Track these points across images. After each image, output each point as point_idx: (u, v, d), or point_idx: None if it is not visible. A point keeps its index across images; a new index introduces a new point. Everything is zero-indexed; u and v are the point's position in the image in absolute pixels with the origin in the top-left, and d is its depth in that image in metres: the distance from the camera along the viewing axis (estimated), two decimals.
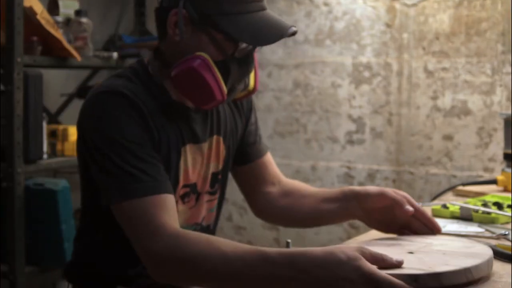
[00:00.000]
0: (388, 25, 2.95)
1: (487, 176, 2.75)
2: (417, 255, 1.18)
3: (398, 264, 1.08)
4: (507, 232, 1.47)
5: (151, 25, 3.24)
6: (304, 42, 3.13)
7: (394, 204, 1.38)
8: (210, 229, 1.57)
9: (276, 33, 1.35)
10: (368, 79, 3.00)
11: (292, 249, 1.12)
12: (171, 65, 1.37)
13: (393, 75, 2.95)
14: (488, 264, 1.15)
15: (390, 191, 1.40)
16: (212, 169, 1.51)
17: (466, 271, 1.09)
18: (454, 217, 1.68)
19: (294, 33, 1.37)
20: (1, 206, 2.36)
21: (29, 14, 2.37)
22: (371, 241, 1.34)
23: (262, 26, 1.34)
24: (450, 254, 1.18)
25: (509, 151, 2.26)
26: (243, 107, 1.61)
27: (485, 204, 1.71)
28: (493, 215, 1.60)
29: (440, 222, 1.63)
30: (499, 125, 2.69)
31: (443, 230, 1.54)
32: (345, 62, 3.04)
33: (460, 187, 2.13)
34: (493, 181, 2.11)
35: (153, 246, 1.21)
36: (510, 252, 1.26)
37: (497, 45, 2.74)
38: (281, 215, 1.64)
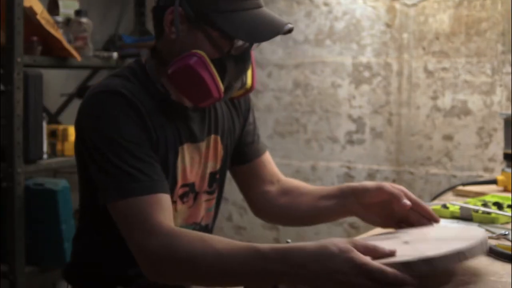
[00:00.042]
0: (388, 25, 2.95)
1: (487, 176, 2.75)
2: (412, 244, 1.17)
3: (391, 254, 1.08)
4: (507, 232, 1.47)
5: (151, 25, 3.24)
6: (304, 42, 3.13)
7: (392, 199, 1.38)
8: (209, 229, 1.57)
9: (272, 30, 1.35)
10: (368, 79, 3.00)
11: (285, 244, 1.13)
12: (168, 64, 1.37)
13: (393, 75, 2.95)
14: (481, 245, 1.13)
15: (388, 185, 1.40)
16: (210, 168, 1.52)
17: (458, 253, 1.08)
18: (454, 217, 1.68)
19: (290, 30, 1.37)
20: (1, 206, 2.36)
21: (29, 14, 2.37)
22: (369, 237, 1.34)
23: (258, 23, 1.34)
24: (444, 240, 1.18)
25: (509, 151, 2.26)
26: (241, 106, 1.61)
27: (485, 204, 1.71)
28: (493, 215, 1.60)
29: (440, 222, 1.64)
30: (499, 125, 2.69)
31: None
32: (345, 62, 3.04)
33: (460, 187, 2.13)
34: (493, 181, 2.11)
35: (148, 245, 1.22)
36: (510, 252, 1.26)
37: (497, 45, 2.74)
38: (279, 214, 1.64)
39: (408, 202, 1.35)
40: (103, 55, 2.76)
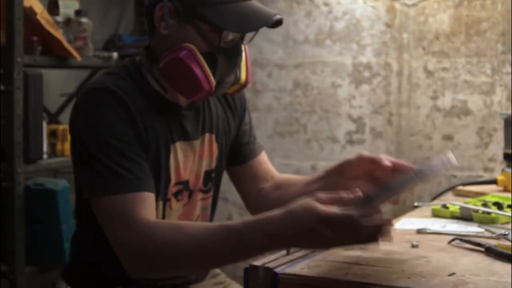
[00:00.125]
0: (388, 25, 2.95)
1: (487, 176, 2.75)
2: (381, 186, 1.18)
3: (356, 198, 1.10)
4: (507, 232, 1.47)
5: None
6: (304, 42, 3.13)
7: (374, 164, 1.39)
8: None
9: (261, 20, 1.36)
10: (368, 79, 3.00)
11: (255, 216, 1.15)
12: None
13: (393, 75, 2.95)
14: (442, 163, 1.13)
15: (366, 152, 1.43)
16: (205, 167, 1.52)
17: (415, 173, 1.08)
18: (454, 217, 1.68)
19: (279, 21, 1.38)
20: (1, 206, 2.36)
21: (29, 14, 2.37)
22: None
23: (247, 15, 1.36)
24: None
25: (509, 151, 2.26)
26: (236, 107, 1.62)
27: (485, 204, 1.71)
28: (493, 215, 1.60)
29: (440, 222, 1.64)
30: (499, 125, 2.69)
31: (443, 230, 1.54)
32: (345, 62, 3.04)
33: (460, 187, 2.13)
34: (493, 181, 2.12)
35: (126, 239, 1.23)
36: (510, 252, 1.26)
37: (497, 45, 2.74)
38: (272, 208, 1.64)
39: (388, 163, 1.37)
40: (103, 55, 2.76)
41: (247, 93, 3.18)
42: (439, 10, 2.84)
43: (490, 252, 1.30)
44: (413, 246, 1.38)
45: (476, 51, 2.78)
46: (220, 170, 1.58)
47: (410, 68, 2.91)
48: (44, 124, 2.50)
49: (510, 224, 1.57)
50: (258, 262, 1.22)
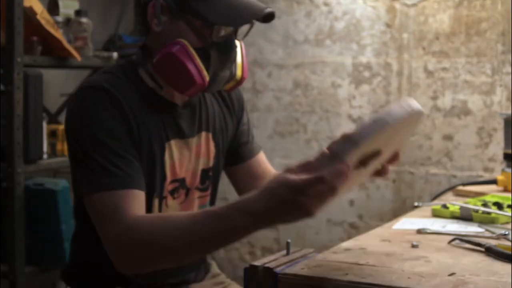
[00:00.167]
0: (388, 25, 2.95)
1: (487, 176, 2.75)
2: None
3: (322, 158, 1.09)
4: (507, 232, 1.47)
5: None
6: (304, 42, 3.13)
7: None
8: None
9: (251, 13, 1.37)
10: (368, 79, 3.00)
11: (236, 199, 1.16)
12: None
13: (393, 75, 2.95)
14: (401, 108, 1.12)
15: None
16: (202, 165, 1.53)
17: (374, 121, 1.07)
18: (454, 217, 1.68)
19: (271, 14, 1.38)
20: (1, 206, 2.36)
21: (29, 14, 2.37)
22: None
23: (237, 8, 1.36)
24: None
25: (509, 151, 2.26)
26: (234, 107, 1.62)
27: (485, 204, 1.71)
28: (493, 215, 1.60)
29: (440, 222, 1.64)
30: (499, 125, 2.69)
31: (443, 230, 1.55)
32: (345, 62, 3.04)
33: (460, 187, 2.13)
34: (493, 181, 2.12)
35: (112, 233, 1.25)
36: (510, 252, 1.26)
37: (497, 45, 2.74)
38: None
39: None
40: (103, 55, 2.76)
41: (247, 93, 3.20)
42: (439, 10, 2.84)
43: (490, 252, 1.30)
44: (413, 246, 1.38)
45: (476, 51, 2.78)
46: (218, 168, 1.58)
47: (410, 68, 2.91)
48: (44, 124, 2.50)
49: (510, 224, 1.57)
50: (258, 262, 1.22)
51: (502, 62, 2.73)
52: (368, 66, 2.99)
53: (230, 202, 1.15)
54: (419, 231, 1.52)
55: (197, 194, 1.53)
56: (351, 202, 3.05)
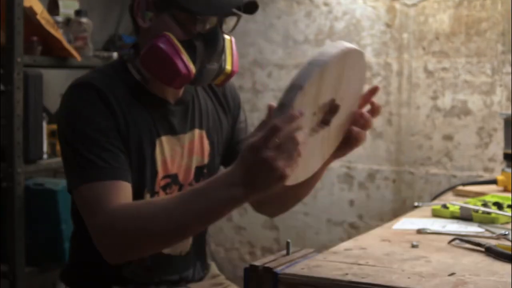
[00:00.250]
0: (388, 25, 2.95)
1: (487, 176, 2.75)
2: None
3: (273, 112, 1.09)
4: (507, 232, 1.47)
5: None
6: (304, 42, 3.13)
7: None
8: None
9: (232, 2, 1.37)
10: (368, 79, 3.00)
11: (216, 174, 1.19)
12: None
13: (393, 75, 2.95)
14: (335, 47, 1.10)
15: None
16: (196, 162, 1.53)
17: (310, 63, 1.07)
18: (454, 217, 1.68)
19: (252, 3, 1.38)
20: (1, 206, 2.36)
21: (29, 14, 2.37)
22: None
23: None
24: None
25: (509, 151, 2.26)
26: (228, 105, 1.62)
27: (485, 204, 1.71)
28: (493, 215, 1.60)
29: (440, 222, 1.64)
30: (499, 125, 2.69)
31: (443, 230, 1.55)
32: None
33: (460, 187, 2.13)
34: (493, 181, 2.12)
35: (98, 220, 1.27)
36: (510, 252, 1.26)
37: (497, 45, 2.74)
38: (274, 203, 1.62)
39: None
40: (103, 55, 2.76)
41: (247, 93, 3.20)
42: (439, 10, 2.84)
43: (490, 252, 1.31)
44: (413, 246, 1.39)
45: (476, 51, 2.78)
46: (213, 166, 1.58)
47: (410, 68, 2.91)
48: (44, 124, 2.50)
49: (510, 224, 1.57)
50: (258, 262, 1.22)
51: (502, 62, 2.73)
52: (368, 66, 2.99)
53: (212, 177, 1.17)
54: (419, 231, 1.52)
55: None
56: (351, 202, 3.05)
